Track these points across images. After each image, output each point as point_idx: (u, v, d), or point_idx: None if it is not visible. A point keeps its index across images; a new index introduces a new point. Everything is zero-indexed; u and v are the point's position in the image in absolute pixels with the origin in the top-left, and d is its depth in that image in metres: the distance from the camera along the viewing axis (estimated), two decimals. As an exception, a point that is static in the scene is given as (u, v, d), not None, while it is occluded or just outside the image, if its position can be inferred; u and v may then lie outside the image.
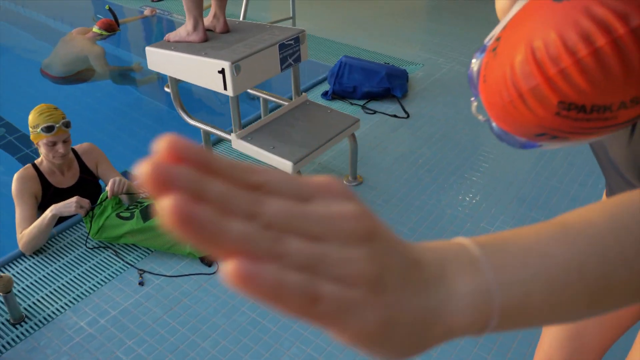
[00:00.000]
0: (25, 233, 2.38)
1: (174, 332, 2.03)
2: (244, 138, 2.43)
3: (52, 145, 2.39)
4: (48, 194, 2.51)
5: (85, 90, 4.66)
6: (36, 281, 2.29)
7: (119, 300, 2.17)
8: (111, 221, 2.36)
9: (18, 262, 2.39)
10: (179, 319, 2.08)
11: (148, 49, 2.52)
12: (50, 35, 5.37)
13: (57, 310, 2.15)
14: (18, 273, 2.33)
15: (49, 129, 2.34)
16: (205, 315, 2.09)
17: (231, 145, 2.52)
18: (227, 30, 2.59)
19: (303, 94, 2.73)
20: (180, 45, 2.47)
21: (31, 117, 2.36)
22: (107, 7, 4.99)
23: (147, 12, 5.45)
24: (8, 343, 2.05)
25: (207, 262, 2.30)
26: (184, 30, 2.51)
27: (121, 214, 2.36)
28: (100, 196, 2.40)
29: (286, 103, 2.68)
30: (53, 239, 2.49)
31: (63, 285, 2.26)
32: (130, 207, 2.41)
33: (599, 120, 0.56)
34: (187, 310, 2.11)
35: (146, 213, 2.37)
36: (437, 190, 2.70)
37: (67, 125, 2.39)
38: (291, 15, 4.15)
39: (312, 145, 2.37)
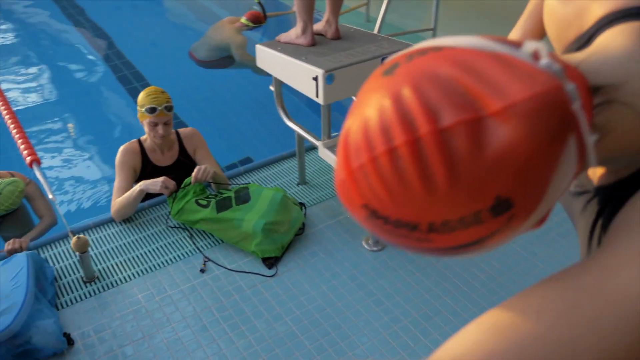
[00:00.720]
0: (117, 201, 2.56)
1: (214, 325, 2.05)
2: (329, 148, 2.39)
3: (153, 125, 2.54)
4: (146, 169, 2.68)
5: (227, 75, 4.95)
6: (114, 248, 2.47)
7: (177, 282, 2.25)
8: (190, 206, 2.46)
9: (106, 227, 2.60)
10: (223, 314, 2.10)
11: (258, 46, 2.57)
12: (210, 18, 5.74)
13: (124, 278, 2.30)
14: (102, 237, 2.53)
15: (152, 110, 2.49)
16: (248, 316, 2.09)
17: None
18: (338, 36, 2.55)
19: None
20: (287, 47, 2.48)
21: (140, 97, 2.53)
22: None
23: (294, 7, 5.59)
24: (80, 297, 2.23)
25: (268, 264, 2.31)
26: (294, 33, 2.51)
27: (199, 201, 2.45)
28: (185, 180, 2.51)
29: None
30: (140, 212, 2.66)
31: (136, 256, 2.41)
32: (209, 196, 2.48)
33: (412, 240, 0.44)
34: (234, 307, 2.12)
35: (222, 205, 2.43)
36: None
37: (169, 109, 2.52)
38: (432, 26, 3.95)
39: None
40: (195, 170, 2.49)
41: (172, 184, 2.48)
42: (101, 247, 2.47)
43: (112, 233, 2.56)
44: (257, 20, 5.06)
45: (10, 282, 2.10)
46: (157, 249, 2.44)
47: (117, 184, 2.62)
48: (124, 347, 1.99)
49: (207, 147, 2.78)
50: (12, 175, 2.83)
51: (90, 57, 5.53)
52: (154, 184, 2.48)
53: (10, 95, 4.65)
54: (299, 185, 2.82)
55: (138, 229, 2.57)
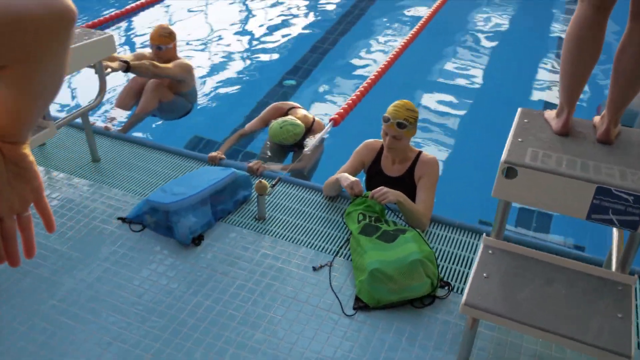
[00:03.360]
0: (329, 179, 2.74)
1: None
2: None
3: (384, 134, 2.55)
4: (373, 169, 2.74)
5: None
6: (289, 208, 2.72)
7: (301, 263, 2.36)
8: (354, 214, 2.44)
9: (302, 190, 2.88)
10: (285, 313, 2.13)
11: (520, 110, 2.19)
12: None
13: (275, 232, 2.55)
14: (292, 196, 2.81)
15: (385, 120, 2.49)
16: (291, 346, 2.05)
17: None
18: (606, 140, 1.94)
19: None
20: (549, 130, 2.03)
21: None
22: None
23: None
24: (242, 223, 2.60)
25: (357, 305, 2.13)
26: (555, 112, 2.04)
27: (360, 213, 2.40)
28: (366, 192, 2.47)
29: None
30: (337, 197, 2.80)
31: (295, 224, 2.61)
32: (373, 217, 2.39)
33: None
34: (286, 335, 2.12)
35: (367, 229, 2.34)
36: None
37: (401, 125, 2.47)
38: None
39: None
40: (379, 188, 2.42)
41: (358, 189, 2.50)
42: (281, 203, 2.77)
43: (300, 197, 2.81)
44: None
45: (204, 179, 2.61)
46: (314, 228, 2.57)
47: (344, 166, 2.78)
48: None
49: (434, 180, 2.61)
50: (306, 117, 3.34)
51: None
52: (346, 179, 2.54)
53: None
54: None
55: (320, 207, 2.73)
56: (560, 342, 1.65)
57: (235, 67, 5.22)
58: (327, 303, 2.18)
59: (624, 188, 1.65)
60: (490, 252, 1.95)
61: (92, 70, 2.90)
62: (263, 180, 2.54)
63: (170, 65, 3.60)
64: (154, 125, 4.02)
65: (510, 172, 1.78)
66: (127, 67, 3.25)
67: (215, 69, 5.15)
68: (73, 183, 2.91)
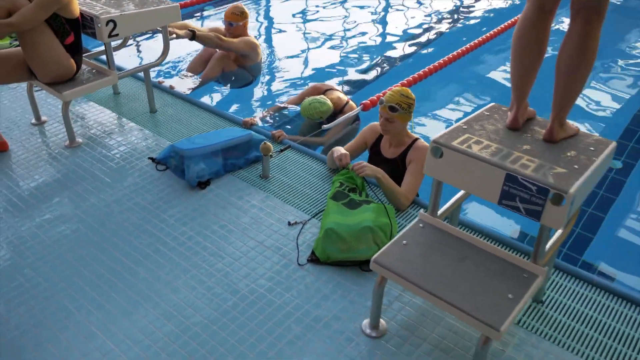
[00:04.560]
0: (329, 152, 2.97)
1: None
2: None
3: (380, 116, 2.72)
4: (373, 148, 2.93)
5: None
6: (290, 170, 2.99)
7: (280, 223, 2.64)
8: (335, 182, 2.66)
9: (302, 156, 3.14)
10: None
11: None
12: None
13: (272, 190, 2.84)
14: (295, 161, 3.07)
15: (380, 102, 2.67)
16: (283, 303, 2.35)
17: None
18: (551, 139, 1.97)
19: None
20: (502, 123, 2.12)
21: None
22: None
23: None
24: (245, 178, 2.92)
25: (310, 257, 2.36)
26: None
27: (340, 182, 2.62)
28: (350, 164, 2.67)
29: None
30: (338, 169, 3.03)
31: (295, 188, 2.88)
32: (349, 186, 2.58)
33: None
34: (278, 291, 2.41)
35: (337, 195, 2.57)
36: None
37: (392, 109, 2.63)
38: None
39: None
40: (360, 162, 2.61)
41: (346, 161, 2.71)
42: (288, 167, 3.04)
43: (306, 165, 3.06)
44: None
45: (222, 135, 2.97)
46: (306, 192, 2.82)
47: (349, 143, 3.00)
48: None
49: (421, 166, 2.73)
50: (339, 99, 3.58)
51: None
52: (338, 152, 2.78)
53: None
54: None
55: (320, 175, 2.96)
56: (444, 309, 1.78)
57: (319, 54, 5.56)
58: (287, 252, 2.44)
59: (530, 178, 1.73)
60: (421, 225, 2.09)
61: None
62: (267, 143, 2.83)
63: (235, 40, 4.01)
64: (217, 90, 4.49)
65: (436, 151, 1.92)
66: (192, 36, 3.71)
67: (299, 52, 5.53)
68: (129, 126, 3.43)
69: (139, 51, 5.32)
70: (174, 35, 3.62)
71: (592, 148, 1.95)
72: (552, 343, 2.04)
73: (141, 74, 3.60)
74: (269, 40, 5.93)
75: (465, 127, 2.04)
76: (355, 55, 5.51)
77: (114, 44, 3.64)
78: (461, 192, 2.27)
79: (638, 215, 3.57)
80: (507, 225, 3.36)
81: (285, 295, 2.22)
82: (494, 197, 1.83)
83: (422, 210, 2.14)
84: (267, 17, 6.75)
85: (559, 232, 2.10)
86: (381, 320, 2.10)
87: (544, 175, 1.74)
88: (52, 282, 2.26)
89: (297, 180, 2.93)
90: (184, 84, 4.05)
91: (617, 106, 4.93)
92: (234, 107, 4.27)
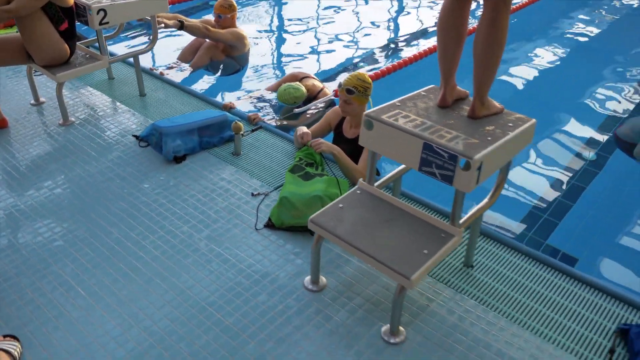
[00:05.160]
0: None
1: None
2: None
3: (340, 98, 2.94)
4: (337, 130, 3.15)
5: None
6: (259, 146, 3.22)
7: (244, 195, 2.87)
8: (296, 157, 2.88)
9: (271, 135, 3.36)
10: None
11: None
12: None
13: (244, 164, 3.07)
14: (267, 141, 3.29)
15: (339, 85, 2.89)
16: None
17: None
18: (474, 116, 2.17)
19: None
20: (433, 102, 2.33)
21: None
22: None
23: None
24: (217, 154, 3.16)
25: (267, 223, 2.59)
26: None
27: (300, 157, 2.84)
28: (309, 142, 2.90)
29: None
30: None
31: (263, 164, 3.11)
32: (307, 161, 2.80)
33: None
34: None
35: (294, 168, 2.80)
36: None
37: (348, 91, 2.84)
38: None
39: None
40: (317, 139, 2.83)
41: (307, 138, 2.94)
42: (260, 146, 3.28)
43: (276, 145, 3.29)
44: None
45: (199, 115, 3.21)
46: (272, 167, 3.04)
47: (314, 125, 3.22)
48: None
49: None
50: (314, 86, 3.79)
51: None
52: (300, 130, 2.99)
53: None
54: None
55: (288, 154, 3.18)
56: (366, 261, 1.99)
57: (304, 46, 5.79)
58: (247, 218, 2.67)
59: (443, 146, 1.94)
60: (358, 192, 2.31)
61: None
62: (239, 122, 3.07)
63: (223, 31, 4.25)
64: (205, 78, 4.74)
65: (367, 124, 2.14)
66: (181, 26, 3.96)
67: (284, 45, 5.77)
68: (119, 108, 3.69)
69: (131, 39, 5.61)
70: (163, 25, 3.87)
71: (510, 124, 2.15)
72: (476, 301, 2.25)
73: (132, 60, 3.86)
74: (256, 32, 6.16)
75: (399, 104, 2.25)
76: (337, 47, 5.74)
77: (109, 32, 3.91)
78: (402, 166, 2.48)
79: (605, 204, 3.72)
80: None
81: (240, 255, 2.45)
82: (416, 164, 2.04)
83: (360, 180, 2.36)
84: (258, 11, 6.98)
85: (484, 201, 2.31)
86: (322, 277, 2.33)
87: (456, 144, 1.95)
88: (35, 239, 2.53)
89: (266, 157, 3.16)
90: (175, 71, 4.31)
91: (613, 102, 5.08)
92: (222, 94, 4.51)
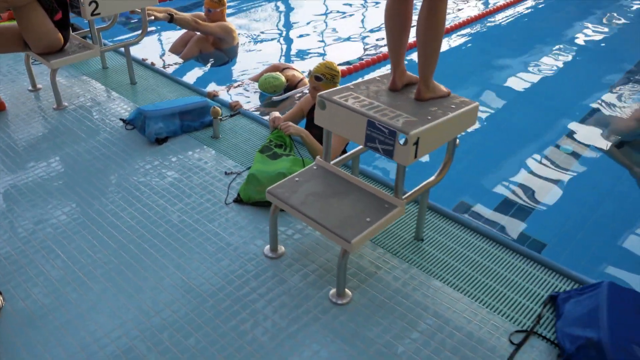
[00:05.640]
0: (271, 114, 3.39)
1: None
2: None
3: (310, 85, 3.12)
4: (309, 115, 3.34)
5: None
6: (239, 131, 3.42)
7: (211, 163, 3.07)
8: (268, 140, 3.07)
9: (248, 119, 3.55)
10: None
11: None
12: None
13: (221, 147, 3.26)
14: (243, 127, 3.48)
15: (308, 72, 3.07)
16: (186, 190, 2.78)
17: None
18: (420, 98, 2.34)
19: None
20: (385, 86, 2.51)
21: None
22: None
23: None
24: (197, 138, 3.35)
25: (236, 198, 2.78)
26: None
27: (270, 139, 3.02)
28: (279, 125, 3.09)
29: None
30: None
31: (239, 147, 3.31)
32: (276, 142, 2.99)
33: None
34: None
35: (263, 148, 2.98)
36: None
37: (317, 78, 3.03)
38: None
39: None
40: (286, 122, 3.02)
41: (278, 122, 3.12)
42: (238, 131, 3.47)
43: (254, 130, 3.48)
44: None
45: (181, 101, 3.41)
46: (247, 150, 3.24)
47: (289, 111, 3.40)
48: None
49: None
50: (294, 76, 3.98)
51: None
52: (271, 115, 3.18)
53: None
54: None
55: (264, 138, 3.37)
56: (314, 227, 2.17)
57: (291, 40, 5.99)
58: (219, 194, 2.86)
59: (384, 123, 2.12)
60: (315, 167, 2.49)
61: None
62: (216, 107, 3.27)
63: (212, 24, 4.46)
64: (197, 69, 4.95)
65: (321, 104, 2.32)
66: (170, 18, 4.16)
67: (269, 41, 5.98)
68: (110, 95, 3.91)
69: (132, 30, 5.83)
70: (153, 17, 4.08)
71: (453, 106, 2.33)
72: (420, 270, 2.42)
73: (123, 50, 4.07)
74: (245, 26, 6.36)
75: (352, 87, 2.43)
76: (318, 40, 5.93)
77: (105, 23, 4.12)
78: (360, 147, 2.66)
79: (578, 193, 3.87)
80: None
81: (208, 225, 2.64)
82: (362, 140, 2.23)
83: (318, 157, 2.54)
84: (248, 5, 7.18)
85: (431, 178, 2.48)
86: (281, 246, 2.51)
87: (396, 122, 2.12)
88: (23, 208, 2.74)
89: (243, 141, 3.35)
90: (166, 61, 4.52)
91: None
92: (210, 83, 4.72)
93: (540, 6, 7.72)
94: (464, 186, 3.80)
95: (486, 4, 7.63)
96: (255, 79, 4.19)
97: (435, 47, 2.21)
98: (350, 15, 7.06)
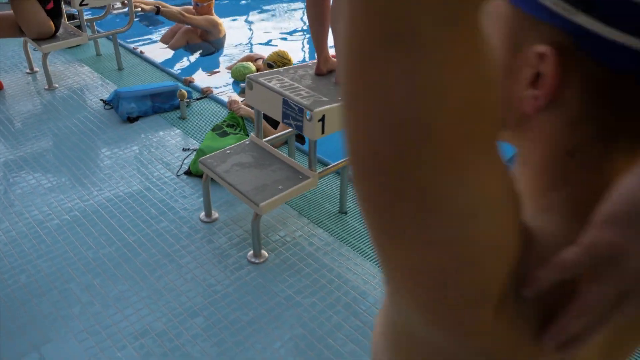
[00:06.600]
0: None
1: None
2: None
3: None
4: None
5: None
6: (202, 112, 3.68)
7: (172, 140, 3.35)
8: (223, 120, 3.33)
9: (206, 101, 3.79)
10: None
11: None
12: None
13: (185, 130, 3.54)
14: (205, 107, 3.74)
15: (262, 60, 3.32)
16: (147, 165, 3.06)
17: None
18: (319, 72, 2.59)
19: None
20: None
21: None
22: None
23: None
24: (169, 119, 3.64)
25: (187, 172, 3.05)
26: None
27: (225, 121, 3.28)
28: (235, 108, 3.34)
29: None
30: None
31: (202, 128, 3.58)
32: (230, 123, 3.25)
33: None
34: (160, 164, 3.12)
35: (215, 126, 3.21)
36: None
37: (268, 65, 3.28)
38: None
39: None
40: (238, 104, 3.27)
41: (235, 106, 3.37)
42: (205, 114, 3.75)
43: (220, 113, 3.74)
44: None
45: (154, 85, 3.70)
46: (202, 127, 3.49)
47: None
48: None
49: None
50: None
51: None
52: (231, 97, 3.44)
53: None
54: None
55: (224, 115, 3.60)
56: (234, 193, 2.43)
57: (276, 33, 6.23)
58: (174, 167, 3.15)
59: (295, 101, 2.36)
60: (247, 142, 2.74)
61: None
62: (182, 90, 3.56)
63: (198, 17, 4.75)
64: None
65: (249, 85, 2.57)
66: (157, 11, 4.47)
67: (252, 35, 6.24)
68: (97, 78, 4.24)
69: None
70: (140, 9, 4.40)
71: (368, 90, 2.54)
72: (335, 238, 2.65)
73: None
74: (233, 20, 6.64)
75: (281, 71, 2.68)
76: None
77: (99, 13, 4.46)
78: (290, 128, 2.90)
79: None
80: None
81: (157, 193, 2.93)
82: (280, 117, 2.47)
83: (252, 134, 2.79)
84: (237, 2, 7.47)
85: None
86: (216, 212, 2.78)
87: (306, 100, 2.36)
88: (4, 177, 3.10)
89: (207, 123, 3.63)
90: (154, 50, 4.84)
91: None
92: (193, 71, 5.02)
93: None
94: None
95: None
96: (230, 68, 4.46)
97: None
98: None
